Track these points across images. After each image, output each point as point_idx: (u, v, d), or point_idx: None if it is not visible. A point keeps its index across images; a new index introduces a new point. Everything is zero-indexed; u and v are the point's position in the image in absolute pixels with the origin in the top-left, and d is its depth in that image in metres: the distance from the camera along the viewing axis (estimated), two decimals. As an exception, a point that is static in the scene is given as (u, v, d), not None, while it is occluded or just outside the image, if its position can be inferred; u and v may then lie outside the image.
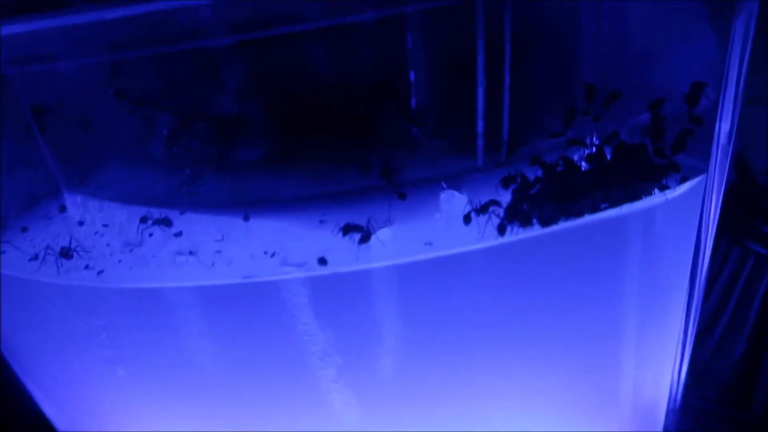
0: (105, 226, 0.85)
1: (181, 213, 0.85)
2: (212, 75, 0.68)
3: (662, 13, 0.73)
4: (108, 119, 0.80)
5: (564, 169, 0.74)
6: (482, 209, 0.70)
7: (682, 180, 0.72)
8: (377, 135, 0.77)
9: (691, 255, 0.77)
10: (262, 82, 0.68)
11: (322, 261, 0.69)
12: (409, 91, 0.66)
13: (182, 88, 0.76)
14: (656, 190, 0.71)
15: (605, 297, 0.74)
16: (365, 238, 0.73)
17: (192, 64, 0.65)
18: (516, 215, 0.71)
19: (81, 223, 0.85)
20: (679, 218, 0.74)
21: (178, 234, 0.82)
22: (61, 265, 0.75)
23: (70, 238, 0.78)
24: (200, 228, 0.81)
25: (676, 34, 0.73)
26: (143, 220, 0.80)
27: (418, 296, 0.72)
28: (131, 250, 0.79)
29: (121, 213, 0.84)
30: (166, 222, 0.79)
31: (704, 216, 0.75)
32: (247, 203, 0.83)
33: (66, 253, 0.76)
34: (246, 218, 0.83)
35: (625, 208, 0.70)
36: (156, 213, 0.83)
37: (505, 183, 0.73)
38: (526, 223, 0.69)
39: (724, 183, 0.77)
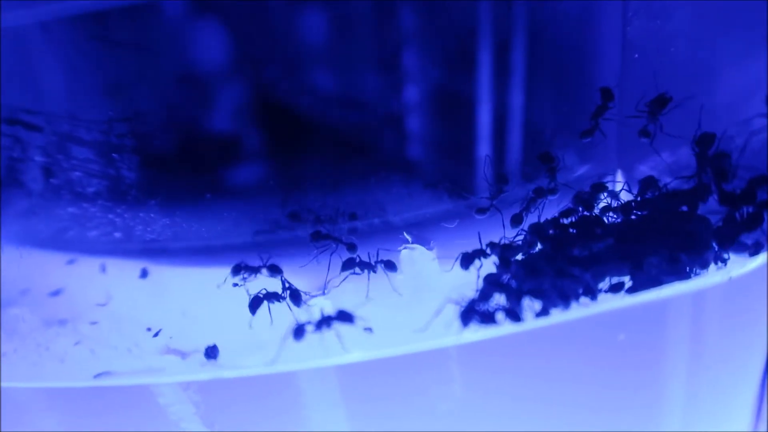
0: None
1: (70, 262, 0.65)
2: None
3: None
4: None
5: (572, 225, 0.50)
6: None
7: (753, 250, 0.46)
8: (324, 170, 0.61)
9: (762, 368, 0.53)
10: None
11: (211, 353, 0.47)
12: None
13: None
14: (712, 265, 0.46)
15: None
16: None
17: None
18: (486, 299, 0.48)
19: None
20: (745, 308, 0.49)
21: (56, 293, 0.62)
22: None
23: None
24: (82, 285, 0.61)
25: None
26: None
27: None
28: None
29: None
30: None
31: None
32: (147, 253, 0.62)
33: None
34: (144, 274, 0.62)
35: (663, 291, 0.45)
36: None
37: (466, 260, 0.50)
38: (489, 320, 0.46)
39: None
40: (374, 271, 0.57)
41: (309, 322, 0.50)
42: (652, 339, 0.55)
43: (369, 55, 0.57)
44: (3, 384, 0.47)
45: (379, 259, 0.57)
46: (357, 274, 0.58)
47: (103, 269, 0.59)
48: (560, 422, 0.60)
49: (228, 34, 0.53)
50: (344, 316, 0.50)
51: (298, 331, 0.50)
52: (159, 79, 0.56)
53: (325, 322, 0.50)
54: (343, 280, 0.57)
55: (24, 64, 0.57)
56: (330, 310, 0.52)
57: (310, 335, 0.52)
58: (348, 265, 0.58)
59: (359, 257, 0.57)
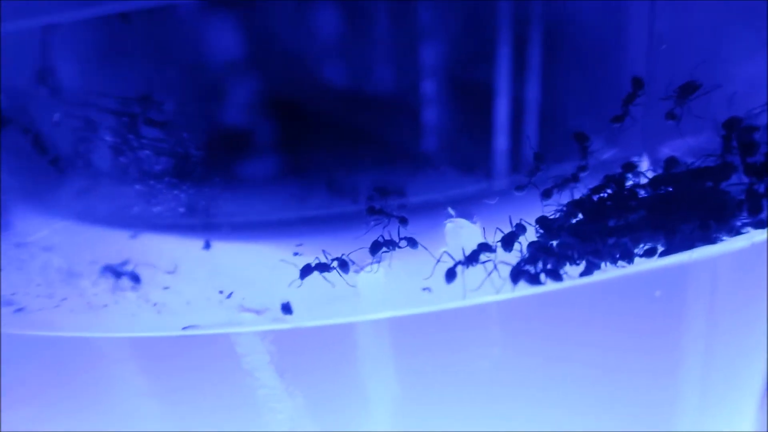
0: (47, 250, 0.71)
1: (133, 236, 0.70)
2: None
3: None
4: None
5: (607, 197, 0.56)
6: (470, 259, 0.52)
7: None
8: (372, 149, 0.65)
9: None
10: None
11: (287, 308, 0.53)
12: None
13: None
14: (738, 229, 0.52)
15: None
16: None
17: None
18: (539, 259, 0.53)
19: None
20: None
21: (124, 264, 0.67)
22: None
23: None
24: (151, 256, 0.66)
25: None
26: None
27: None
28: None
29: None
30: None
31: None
32: (210, 228, 0.67)
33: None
34: (207, 246, 0.67)
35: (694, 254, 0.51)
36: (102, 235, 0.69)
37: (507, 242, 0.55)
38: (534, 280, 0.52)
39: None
40: (400, 247, 0.62)
41: (459, 263, 0.55)
42: (671, 306, 0.60)
43: (396, 44, 0.61)
44: (103, 335, 0.52)
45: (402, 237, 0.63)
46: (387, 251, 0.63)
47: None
48: (585, 385, 0.65)
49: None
50: (486, 247, 0.55)
51: (450, 273, 0.55)
52: (219, 63, 0.61)
53: (472, 257, 0.54)
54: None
55: (103, 51, 0.62)
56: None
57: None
58: (375, 247, 0.63)
59: (383, 237, 0.62)
